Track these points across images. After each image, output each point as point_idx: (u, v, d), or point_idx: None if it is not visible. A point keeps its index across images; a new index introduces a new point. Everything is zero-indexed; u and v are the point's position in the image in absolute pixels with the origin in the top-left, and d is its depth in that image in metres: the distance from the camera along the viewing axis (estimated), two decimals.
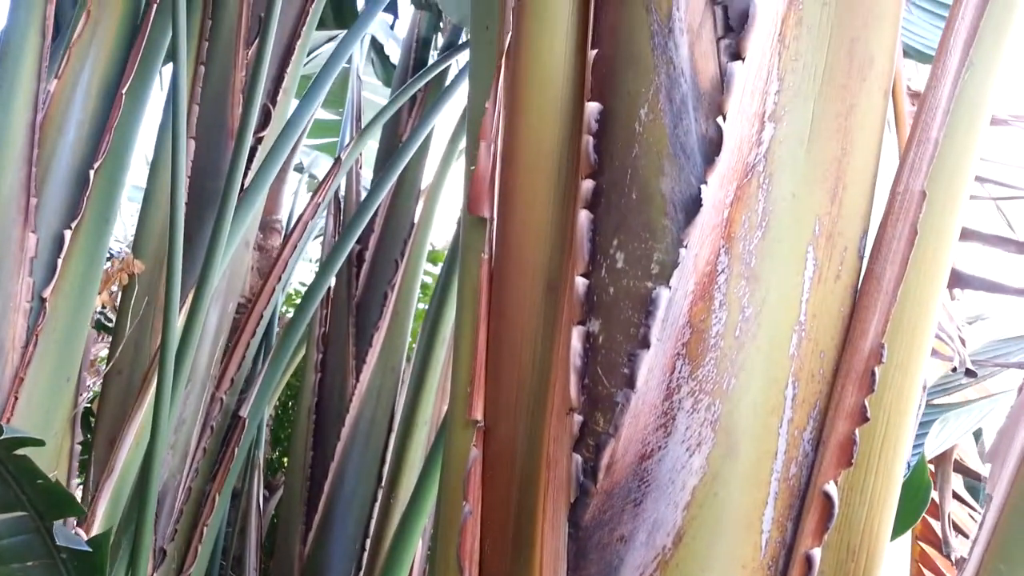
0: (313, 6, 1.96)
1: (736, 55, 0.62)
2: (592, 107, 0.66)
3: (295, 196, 2.89)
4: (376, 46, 2.94)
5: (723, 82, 0.62)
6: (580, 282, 0.64)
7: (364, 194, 2.47)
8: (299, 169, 3.28)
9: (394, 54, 2.77)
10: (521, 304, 0.69)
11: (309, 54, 2.32)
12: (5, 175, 1.31)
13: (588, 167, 0.66)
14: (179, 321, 1.61)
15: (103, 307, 1.68)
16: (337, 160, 2.02)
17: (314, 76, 3.41)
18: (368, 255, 2.16)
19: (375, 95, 3.71)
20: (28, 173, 1.33)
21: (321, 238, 2.49)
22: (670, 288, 0.60)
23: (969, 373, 1.42)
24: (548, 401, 0.65)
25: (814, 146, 0.61)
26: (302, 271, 3.42)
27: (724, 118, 0.61)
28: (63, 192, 1.36)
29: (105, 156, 1.38)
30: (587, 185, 0.65)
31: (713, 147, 0.61)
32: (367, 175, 2.52)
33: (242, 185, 1.79)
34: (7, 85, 1.32)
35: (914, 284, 0.60)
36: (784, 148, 0.61)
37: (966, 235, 1.38)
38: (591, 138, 0.66)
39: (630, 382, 0.59)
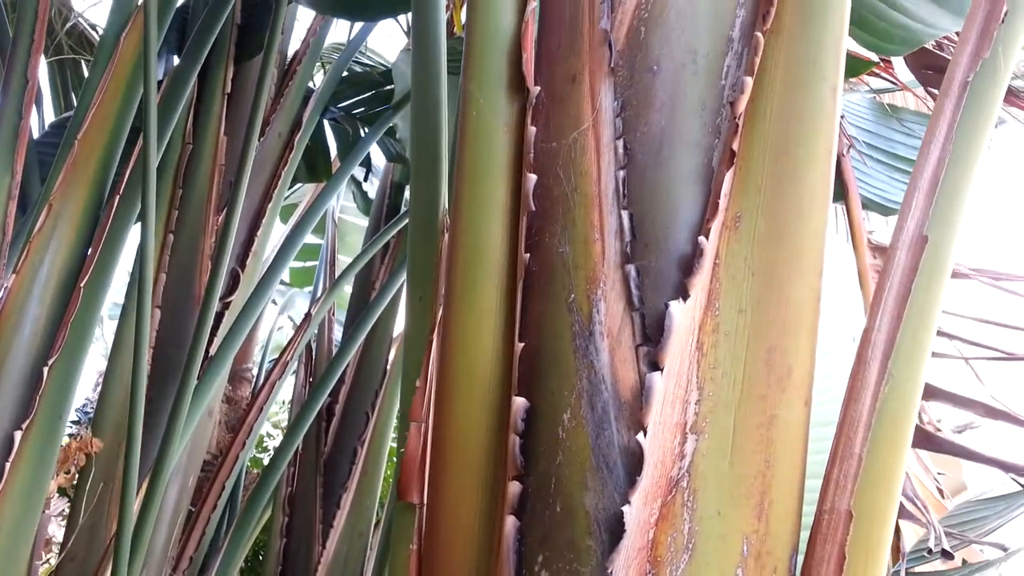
0: (285, 169, 2.00)
1: (655, 365, 0.62)
2: (519, 404, 0.66)
3: (269, 335, 2.88)
4: (355, 180, 3.00)
5: (643, 393, 0.61)
6: None
7: (337, 332, 2.46)
8: (272, 301, 3.28)
9: (371, 188, 2.83)
10: None
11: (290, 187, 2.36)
12: None
13: (515, 468, 0.64)
14: (135, 505, 1.57)
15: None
16: (308, 315, 2.02)
17: (295, 208, 3.42)
18: (338, 408, 2.13)
19: (355, 218, 3.76)
20: None
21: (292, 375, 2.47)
22: None
23: (945, 555, 1.38)
24: None
25: (737, 459, 0.61)
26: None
27: (645, 433, 0.60)
28: (15, 391, 1.33)
29: (60, 351, 1.37)
30: (514, 488, 0.64)
31: (635, 462, 0.60)
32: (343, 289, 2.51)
33: (207, 353, 1.77)
34: None
35: None
36: (707, 462, 0.60)
37: (932, 393, 1.36)
38: (518, 439, 0.65)
39: None
